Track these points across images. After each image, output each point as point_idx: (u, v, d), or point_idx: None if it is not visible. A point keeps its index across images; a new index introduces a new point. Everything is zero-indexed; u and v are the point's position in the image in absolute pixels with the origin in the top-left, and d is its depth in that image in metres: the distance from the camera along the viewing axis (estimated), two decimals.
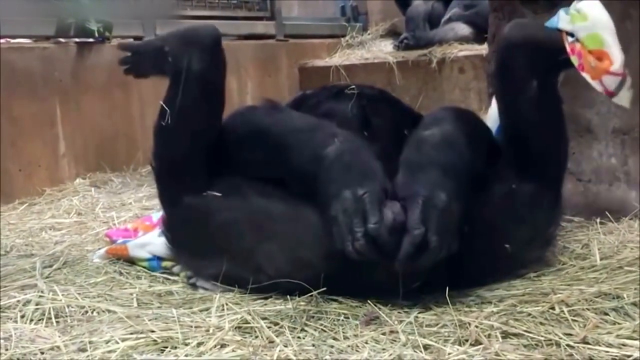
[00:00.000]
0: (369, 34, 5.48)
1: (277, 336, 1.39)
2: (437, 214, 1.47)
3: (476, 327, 1.38)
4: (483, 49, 4.04)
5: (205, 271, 1.73)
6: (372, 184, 1.51)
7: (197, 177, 1.75)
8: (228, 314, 1.51)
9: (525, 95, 1.72)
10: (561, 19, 1.75)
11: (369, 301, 1.55)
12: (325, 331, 1.43)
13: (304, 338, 1.40)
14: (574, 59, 1.72)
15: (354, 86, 1.96)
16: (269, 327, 1.43)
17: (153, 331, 1.42)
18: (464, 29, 4.73)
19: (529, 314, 1.45)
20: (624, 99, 1.72)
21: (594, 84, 1.71)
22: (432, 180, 1.52)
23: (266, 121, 1.74)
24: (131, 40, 1.96)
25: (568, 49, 1.72)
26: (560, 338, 1.32)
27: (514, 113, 1.77)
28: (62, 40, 3.50)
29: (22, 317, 1.57)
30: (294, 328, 1.44)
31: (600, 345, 1.29)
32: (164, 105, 1.78)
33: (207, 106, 1.80)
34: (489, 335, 1.35)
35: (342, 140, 1.60)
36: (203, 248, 1.72)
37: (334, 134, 1.62)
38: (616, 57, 1.69)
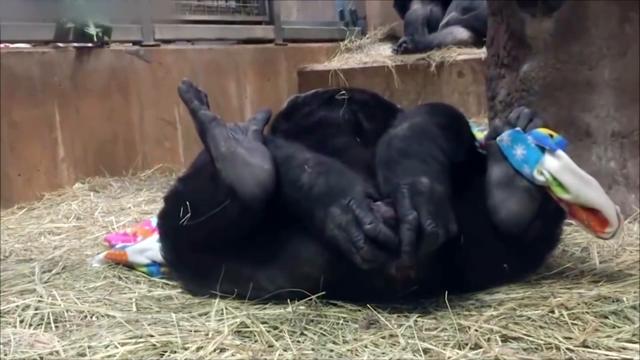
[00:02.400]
0: (367, 38, 5.48)
1: (276, 340, 1.39)
2: (424, 198, 1.46)
3: (476, 330, 1.38)
4: (482, 52, 4.04)
5: (205, 292, 1.72)
6: (354, 190, 1.50)
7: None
8: (227, 318, 1.50)
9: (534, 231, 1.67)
10: (535, 177, 1.60)
11: (368, 305, 1.55)
12: (324, 335, 1.43)
13: (303, 342, 1.40)
14: (563, 206, 1.63)
15: (344, 91, 1.94)
16: (268, 331, 1.43)
17: (152, 336, 1.41)
18: (462, 33, 4.74)
19: (529, 318, 1.45)
20: (618, 233, 1.66)
21: (589, 231, 1.65)
22: (409, 169, 1.53)
23: None
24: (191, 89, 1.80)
25: (555, 197, 1.62)
26: (560, 342, 1.32)
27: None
28: (61, 44, 3.51)
29: (21, 322, 1.56)
30: (294, 332, 1.44)
31: (599, 349, 1.28)
32: (188, 205, 1.64)
33: (224, 234, 1.64)
34: (489, 339, 1.35)
35: (312, 164, 1.59)
36: (204, 274, 1.70)
37: (305, 161, 1.60)
38: (611, 216, 1.60)
